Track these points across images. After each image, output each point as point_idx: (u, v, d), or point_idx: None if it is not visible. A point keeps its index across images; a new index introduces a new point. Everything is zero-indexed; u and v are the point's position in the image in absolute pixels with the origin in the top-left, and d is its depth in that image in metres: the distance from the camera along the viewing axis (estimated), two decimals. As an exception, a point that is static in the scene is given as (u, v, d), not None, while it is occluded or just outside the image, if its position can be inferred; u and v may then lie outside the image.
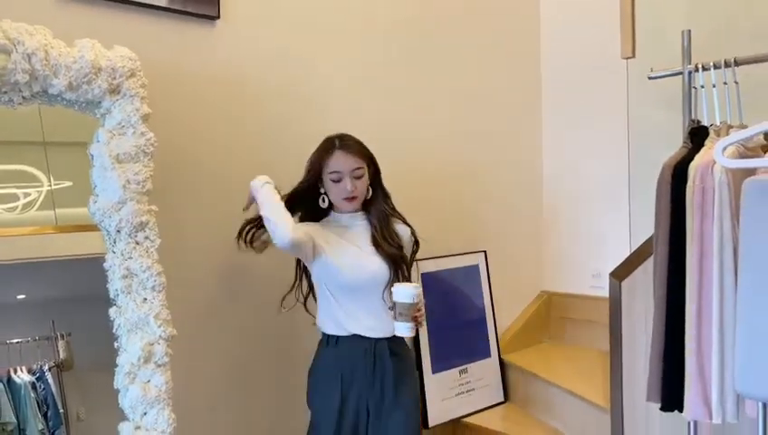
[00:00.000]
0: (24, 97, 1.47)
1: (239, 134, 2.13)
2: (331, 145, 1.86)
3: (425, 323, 1.93)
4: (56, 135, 1.69)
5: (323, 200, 1.90)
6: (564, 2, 3.09)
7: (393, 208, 1.96)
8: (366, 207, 1.93)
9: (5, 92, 1.45)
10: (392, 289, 1.80)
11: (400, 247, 1.91)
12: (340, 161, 1.84)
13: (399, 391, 1.87)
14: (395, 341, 1.89)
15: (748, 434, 1.70)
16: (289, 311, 1.99)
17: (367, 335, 1.85)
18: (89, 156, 1.59)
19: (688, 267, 1.62)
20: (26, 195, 1.68)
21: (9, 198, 1.66)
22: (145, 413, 1.53)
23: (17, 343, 1.64)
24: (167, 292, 1.63)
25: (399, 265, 1.89)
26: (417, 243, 1.99)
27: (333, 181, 1.85)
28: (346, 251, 1.86)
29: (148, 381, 1.56)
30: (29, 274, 1.71)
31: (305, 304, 2.01)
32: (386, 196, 1.96)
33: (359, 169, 1.85)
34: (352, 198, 1.86)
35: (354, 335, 1.85)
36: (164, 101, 1.83)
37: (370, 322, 1.86)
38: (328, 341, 1.89)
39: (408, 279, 1.92)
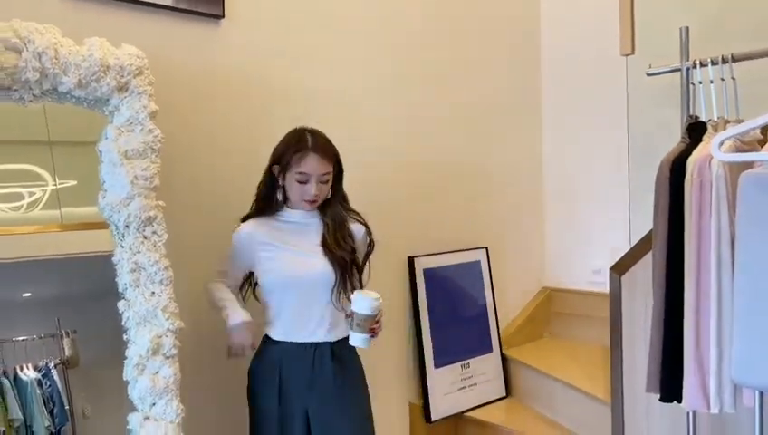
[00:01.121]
0: (34, 95, 1.49)
1: (243, 131, 2.15)
2: (304, 145, 1.75)
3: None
4: (61, 134, 1.70)
5: (280, 195, 1.81)
6: (564, 1, 3.12)
7: (349, 208, 1.87)
8: (321, 205, 1.83)
9: (16, 90, 1.47)
10: (352, 297, 1.70)
11: (353, 250, 1.81)
12: (311, 165, 1.74)
13: (344, 399, 1.78)
14: (339, 345, 1.80)
15: (745, 423, 1.73)
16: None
17: (308, 341, 1.78)
18: (97, 152, 1.60)
19: (687, 260, 1.63)
20: (31, 194, 1.68)
21: (14, 196, 1.67)
22: (154, 404, 1.55)
23: (23, 340, 1.65)
24: (174, 285, 1.64)
25: (348, 268, 1.80)
26: (371, 243, 1.87)
27: (298, 182, 1.76)
28: (289, 252, 1.79)
29: (157, 372, 1.57)
30: (34, 272, 1.72)
31: (254, 293, 1.91)
32: (343, 197, 1.87)
33: (327, 174, 1.78)
34: (313, 202, 1.79)
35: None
36: (170, 99, 1.84)
37: (312, 325, 1.78)
38: (268, 338, 1.84)
39: (359, 282, 1.84)
